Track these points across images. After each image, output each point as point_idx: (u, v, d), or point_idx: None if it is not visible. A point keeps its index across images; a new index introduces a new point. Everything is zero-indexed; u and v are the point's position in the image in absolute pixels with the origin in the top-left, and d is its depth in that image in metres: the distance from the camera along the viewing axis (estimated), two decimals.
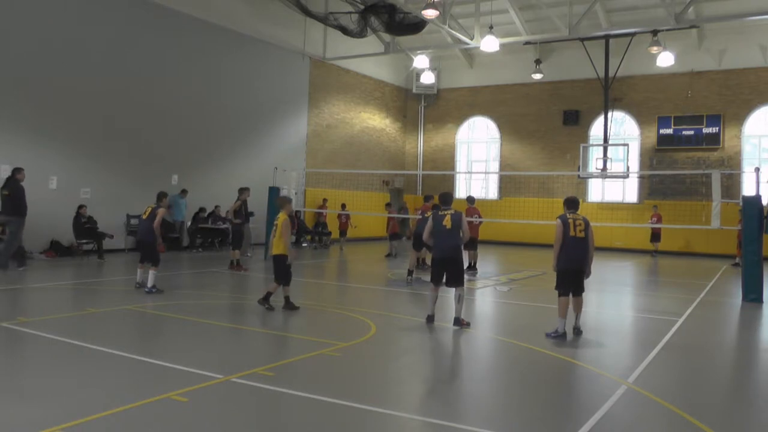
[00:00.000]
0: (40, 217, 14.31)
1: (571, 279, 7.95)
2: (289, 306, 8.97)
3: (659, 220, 20.86)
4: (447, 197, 8.89)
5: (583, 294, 8.11)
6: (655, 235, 21.45)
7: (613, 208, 24.05)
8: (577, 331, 7.97)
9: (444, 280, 8.47)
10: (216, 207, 18.42)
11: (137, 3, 16.81)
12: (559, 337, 7.68)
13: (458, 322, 8.30)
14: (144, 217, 10.73)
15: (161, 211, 10.58)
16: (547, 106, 25.71)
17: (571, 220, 7.97)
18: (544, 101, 25.77)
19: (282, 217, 9.05)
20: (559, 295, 7.92)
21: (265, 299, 8.97)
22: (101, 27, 16.04)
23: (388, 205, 20.49)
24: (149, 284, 10.34)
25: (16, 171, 12.71)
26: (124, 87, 16.53)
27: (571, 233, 7.92)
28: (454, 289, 8.43)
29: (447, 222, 8.37)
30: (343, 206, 21.74)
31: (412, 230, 14.69)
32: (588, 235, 8.02)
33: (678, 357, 7.39)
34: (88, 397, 5.14)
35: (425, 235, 8.75)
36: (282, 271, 8.99)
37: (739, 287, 12.08)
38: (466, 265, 9.39)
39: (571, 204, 8.25)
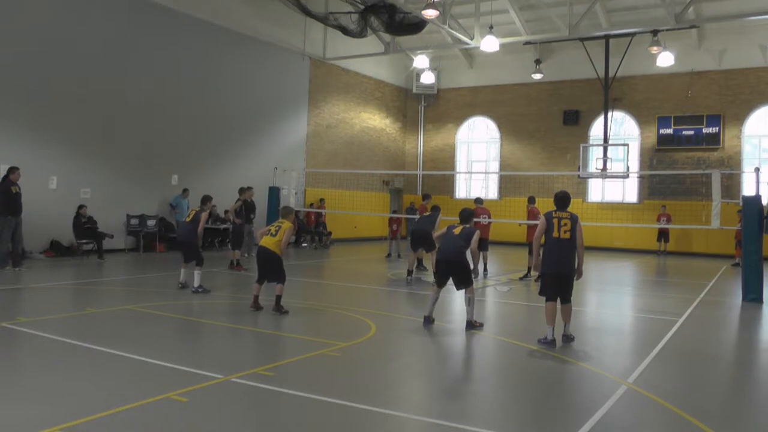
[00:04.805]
0: (40, 217, 14.33)
1: (553, 283, 7.55)
2: (279, 308, 8.91)
3: (669, 220, 21.03)
4: (465, 215, 8.64)
5: (572, 300, 7.65)
6: (663, 235, 21.98)
7: (613, 208, 24.05)
8: (567, 339, 7.59)
9: (450, 282, 8.39)
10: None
11: (137, 3, 16.80)
12: (548, 344, 7.38)
13: (471, 325, 8.21)
14: (187, 220, 11.09)
15: (204, 215, 10.93)
16: (547, 106, 25.70)
17: (556, 220, 7.53)
18: (544, 101, 25.77)
19: (287, 224, 9.07)
20: (546, 301, 7.61)
21: (277, 306, 8.88)
22: (101, 27, 16.04)
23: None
24: (196, 284, 10.48)
25: (10, 171, 12.70)
26: (124, 87, 16.53)
27: (555, 234, 7.48)
28: (463, 291, 8.32)
29: (457, 231, 8.38)
30: (320, 202, 22.06)
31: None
32: (574, 236, 7.49)
33: (678, 357, 7.38)
34: (88, 397, 5.13)
35: (435, 239, 8.77)
36: (282, 271, 8.99)
37: (739, 287, 12.08)
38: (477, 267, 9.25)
39: (560, 202, 7.67)
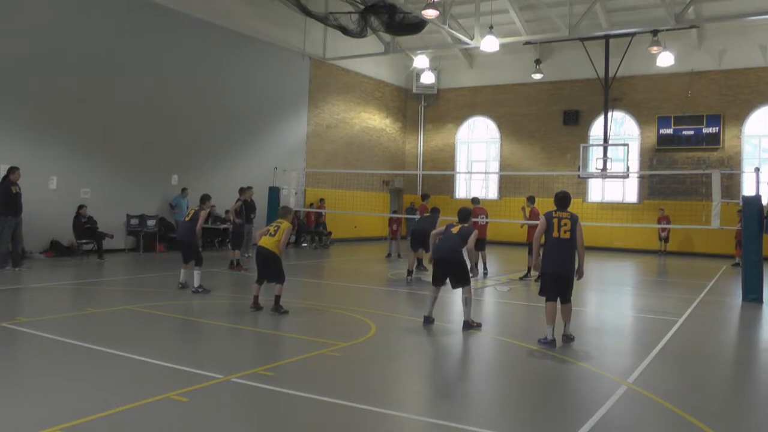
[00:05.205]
0: (40, 217, 14.33)
1: (553, 283, 7.55)
2: (278, 308, 8.88)
3: (668, 222, 21.07)
4: (464, 214, 8.64)
5: (572, 300, 7.65)
6: (664, 236, 22.17)
7: (613, 208, 24.05)
8: (567, 339, 7.60)
9: (447, 281, 8.40)
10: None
11: (137, 3, 16.80)
12: (548, 344, 7.37)
13: (468, 325, 8.21)
14: (187, 219, 11.06)
15: (203, 214, 10.89)
16: (547, 106, 25.70)
17: (556, 220, 7.53)
18: (544, 101, 25.76)
19: (285, 224, 9.07)
20: (545, 301, 7.61)
21: (276, 306, 8.86)
22: (101, 27, 16.03)
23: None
24: (195, 284, 10.47)
25: (10, 171, 12.70)
26: (124, 87, 16.52)
27: (555, 234, 7.48)
28: (460, 291, 8.32)
29: (455, 230, 8.39)
30: (320, 202, 22.11)
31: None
32: (574, 236, 7.48)
33: (678, 357, 7.38)
34: (89, 397, 5.14)
35: (431, 237, 8.74)
36: (281, 271, 8.99)
37: (739, 287, 12.09)
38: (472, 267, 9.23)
39: (561, 202, 7.68)
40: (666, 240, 22.19)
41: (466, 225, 8.48)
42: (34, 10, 14.65)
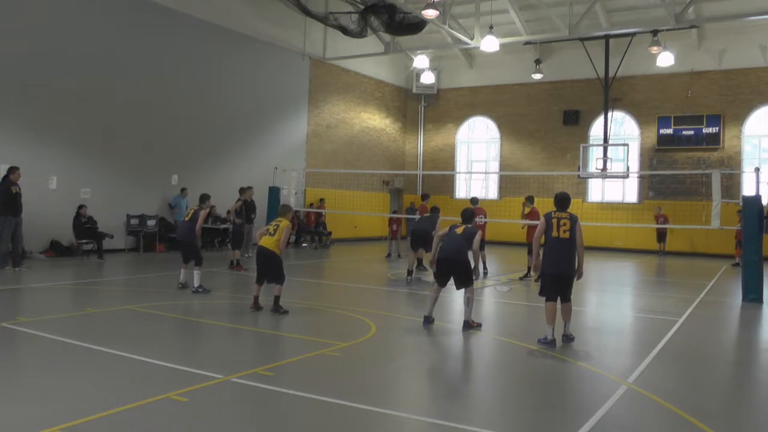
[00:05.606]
0: (40, 217, 14.33)
1: (553, 283, 7.55)
2: (278, 308, 8.87)
3: (666, 221, 21.04)
4: (468, 215, 8.65)
5: (572, 299, 7.64)
6: (661, 235, 22.06)
7: (613, 208, 24.05)
8: (567, 338, 7.60)
9: (451, 281, 8.38)
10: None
11: (137, 3, 16.80)
12: (548, 344, 7.37)
13: (468, 325, 8.20)
14: (186, 219, 11.03)
15: (203, 213, 10.87)
16: (547, 106, 25.70)
17: (555, 220, 7.54)
18: (544, 101, 25.76)
19: (285, 222, 9.06)
20: (545, 301, 7.61)
21: (276, 306, 8.85)
22: (101, 27, 16.03)
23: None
24: (195, 284, 10.46)
25: (10, 171, 12.70)
26: (124, 87, 16.52)
27: (554, 234, 7.49)
28: (463, 291, 8.32)
29: (459, 230, 8.38)
30: (320, 202, 22.11)
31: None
32: (574, 236, 7.49)
33: (678, 357, 7.38)
34: (89, 397, 5.14)
35: (436, 238, 8.72)
36: (281, 271, 8.99)
37: (739, 287, 12.09)
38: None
39: (560, 203, 7.70)
40: (663, 239, 22.11)
41: (469, 226, 8.47)
42: (34, 10, 14.65)
